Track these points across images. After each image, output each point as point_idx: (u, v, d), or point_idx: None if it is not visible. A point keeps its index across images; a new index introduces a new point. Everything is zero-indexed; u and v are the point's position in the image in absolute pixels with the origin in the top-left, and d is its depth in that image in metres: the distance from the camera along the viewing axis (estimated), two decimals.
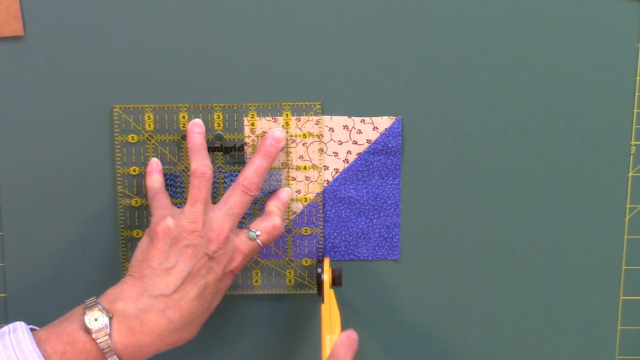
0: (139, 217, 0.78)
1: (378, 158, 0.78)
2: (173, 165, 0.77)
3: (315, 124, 0.77)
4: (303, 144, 0.78)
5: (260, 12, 0.75)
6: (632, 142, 0.78)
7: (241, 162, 0.77)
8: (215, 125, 0.77)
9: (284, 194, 0.77)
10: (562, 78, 0.76)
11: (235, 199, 0.72)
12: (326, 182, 0.79)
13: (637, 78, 0.77)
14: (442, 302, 0.81)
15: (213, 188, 0.75)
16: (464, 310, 0.81)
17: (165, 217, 0.70)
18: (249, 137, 0.77)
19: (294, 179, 0.78)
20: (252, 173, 0.73)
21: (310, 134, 0.77)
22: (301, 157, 0.78)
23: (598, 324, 0.82)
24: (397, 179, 0.78)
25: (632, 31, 0.76)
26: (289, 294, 0.80)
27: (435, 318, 0.82)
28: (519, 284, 0.81)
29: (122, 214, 0.78)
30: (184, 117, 0.77)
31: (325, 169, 0.78)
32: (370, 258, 0.80)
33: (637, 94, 0.77)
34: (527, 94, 0.77)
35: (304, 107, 0.77)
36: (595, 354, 0.82)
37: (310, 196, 0.79)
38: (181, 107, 0.77)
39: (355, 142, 0.78)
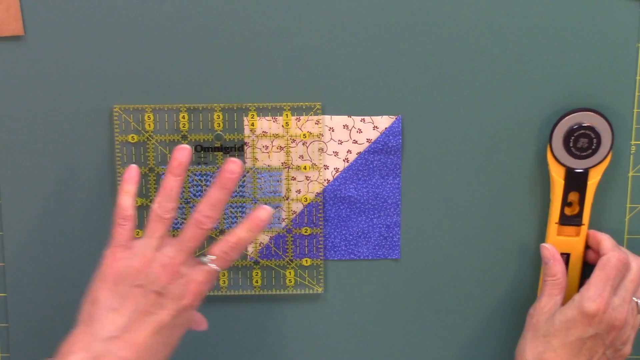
0: (139, 217, 0.78)
1: (378, 157, 0.78)
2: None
3: (315, 123, 0.77)
4: (303, 144, 0.78)
5: (261, 11, 0.75)
6: (632, 142, 0.78)
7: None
8: (216, 125, 0.77)
9: (260, 212, 0.71)
10: (562, 78, 0.76)
11: (189, 233, 0.69)
12: (326, 181, 0.79)
13: (637, 78, 0.77)
14: (442, 302, 0.81)
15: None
16: (464, 310, 0.81)
17: (115, 255, 0.69)
18: (249, 137, 0.77)
19: (294, 179, 0.78)
20: (207, 207, 0.69)
21: (310, 134, 0.77)
22: (301, 156, 0.78)
23: None
24: (397, 179, 0.78)
25: (632, 31, 0.76)
26: (289, 294, 0.80)
27: (435, 318, 0.81)
28: (518, 284, 0.81)
29: None
30: (183, 117, 0.77)
31: (325, 169, 0.78)
32: (370, 258, 0.80)
33: (637, 94, 0.77)
34: (527, 94, 0.77)
35: (304, 107, 0.77)
36: None
37: (310, 196, 0.79)
38: (181, 107, 0.77)
39: (355, 142, 0.78)
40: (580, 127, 0.75)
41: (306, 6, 0.75)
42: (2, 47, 0.75)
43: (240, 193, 0.78)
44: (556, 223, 0.77)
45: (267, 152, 0.77)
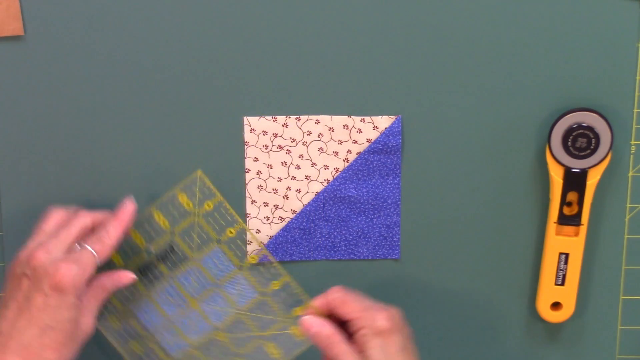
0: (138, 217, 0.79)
1: (378, 157, 0.78)
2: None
3: (315, 123, 0.77)
4: (303, 144, 0.78)
5: (261, 11, 0.75)
6: (632, 142, 0.78)
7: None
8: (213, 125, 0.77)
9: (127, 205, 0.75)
10: (562, 78, 0.76)
11: (75, 234, 0.72)
12: (326, 181, 0.79)
13: (637, 78, 0.77)
14: (442, 302, 0.81)
15: None
16: (464, 309, 0.81)
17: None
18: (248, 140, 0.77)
19: (294, 179, 0.78)
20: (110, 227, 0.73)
21: (310, 134, 0.77)
22: (301, 156, 0.78)
23: (598, 324, 0.82)
24: (397, 178, 0.78)
25: (632, 31, 0.76)
26: None
27: (435, 318, 0.82)
28: (518, 283, 0.81)
29: None
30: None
31: (325, 169, 0.78)
32: (370, 258, 0.80)
33: (637, 94, 0.77)
34: (527, 94, 0.77)
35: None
36: (595, 354, 0.82)
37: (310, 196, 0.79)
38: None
39: (355, 142, 0.78)
40: (579, 126, 0.75)
41: (306, 6, 0.75)
42: (2, 47, 0.75)
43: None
44: (555, 223, 0.77)
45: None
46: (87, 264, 0.70)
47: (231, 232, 0.78)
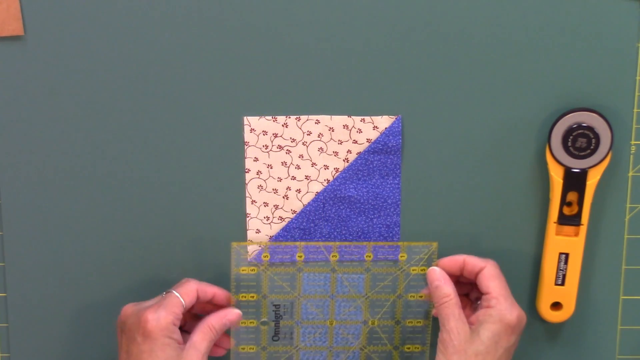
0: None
1: (378, 157, 0.78)
2: None
3: (315, 123, 0.77)
4: (303, 144, 0.78)
5: (261, 11, 0.75)
6: (632, 142, 0.78)
7: None
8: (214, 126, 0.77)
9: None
10: (562, 78, 0.76)
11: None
12: (326, 181, 0.79)
13: (637, 78, 0.77)
14: None
15: None
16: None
17: None
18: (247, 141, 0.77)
19: (294, 179, 0.78)
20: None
21: (310, 134, 0.77)
22: (301, 156, 0.78)
23: (598, 324, 0.82)
24: (397, 179, 0.78)
25: (632, 31, 0.76)
26: None
27: (436, 319, 0.82)
28: (518, 283, 0.81)
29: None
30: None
31: (325, 169, 0.78)
32: None
33: (637, 94, 0.77)
34: (527, 94, 0.77)
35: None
36: (595, 354, 0.82)
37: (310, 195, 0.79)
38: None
39: (355, 142, 0.78)
40: (579, 126, 0.75)
41: (306, 7, 0.75)
42: (2, 47, 0.75)
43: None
44: (555, 223, 0.77)
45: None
46: (173, 304, 0.72)
47: None
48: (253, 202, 0.79)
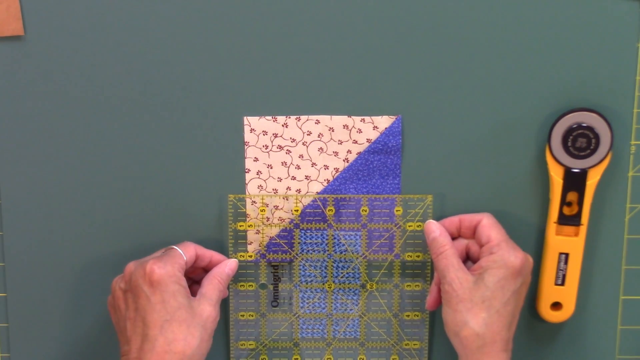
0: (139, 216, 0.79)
1: (378, 157, 0.78)
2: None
3: (315, 123, 0.77)
4: (303, 144, 0.78)
5: (261, 11, 0.75)
6: (632, 142, 0.78)
7: None
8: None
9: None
10: (562, 78, 0.76)
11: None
12: (326, 181, 0.79)
13: (637, 78, 0.77)
14: None
15: None
16: None
17: None
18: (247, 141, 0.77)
19: (294, 179, 0.78)
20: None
21: (310, 134, 0.77)
22: (301, 156, 0.78)
23: (598, 324, 0.82)
24: (397, 179, 0.78)
25: (632, 31, 0.76)
26: None
27: (435, 318, 0.82)
28: None
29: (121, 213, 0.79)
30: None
31: (325, 169, 0.78)
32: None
33: (637, 94, 0.77)
34: (527, 94, 0.77)
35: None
36: (595, 354, 0.82)
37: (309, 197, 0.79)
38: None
39: (355, 142, 0.78)
40: (579, 126, 0.75)
41: (306, 7, 0.75)
42: (2, 47, 0.75)
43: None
44: (555, 223, 0.77)
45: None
46: (176, 256, 0.71)
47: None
48: (253, 202, 0.79)
